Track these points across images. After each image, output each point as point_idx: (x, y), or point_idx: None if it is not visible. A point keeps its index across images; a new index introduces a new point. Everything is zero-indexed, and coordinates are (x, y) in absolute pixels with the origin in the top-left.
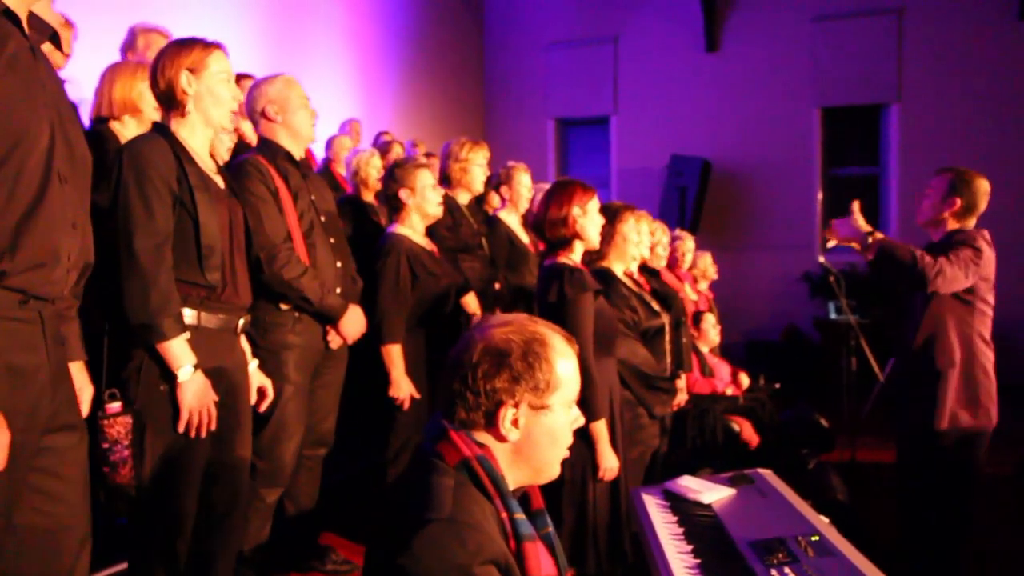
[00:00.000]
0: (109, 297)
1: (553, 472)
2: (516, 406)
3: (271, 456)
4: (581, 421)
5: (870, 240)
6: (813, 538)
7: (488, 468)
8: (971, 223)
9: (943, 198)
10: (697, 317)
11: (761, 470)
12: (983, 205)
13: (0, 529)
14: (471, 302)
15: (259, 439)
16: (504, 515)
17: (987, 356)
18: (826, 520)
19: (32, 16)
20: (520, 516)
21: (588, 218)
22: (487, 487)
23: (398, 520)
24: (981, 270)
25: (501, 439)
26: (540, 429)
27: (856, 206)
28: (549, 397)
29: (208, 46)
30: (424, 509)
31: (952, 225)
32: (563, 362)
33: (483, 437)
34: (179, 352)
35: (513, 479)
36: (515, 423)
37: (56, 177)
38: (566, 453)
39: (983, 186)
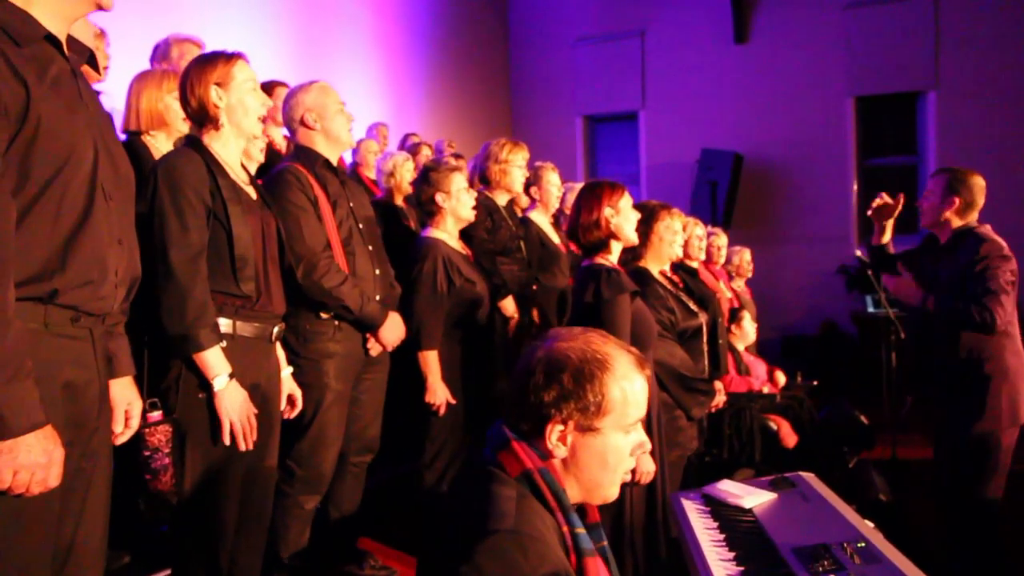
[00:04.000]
0: (147, 308)
1: (607, 495)
2: (563, 423)
3: (310, 464)
4: (648, 447)
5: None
6: (859, 544)
7: (550, 481)
8: (973, 218)
9: (942, 198)
10: (734, 314)
11: (803, 473)
12: (981, 200)
13: (51, 547)
14: (509, 305)
15: (299, 446)
16: (565, 528)
17: (1022, 353)
18: (871, 525)
19: (71, 39)
20: (581, 530)
21: (622, 216)
22: (548, 501)
23: (458, 529)
24: (1013, 273)
25: (549, 454)
26: (588, 451)
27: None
28: (600, 420)
29: (230, 58)
30: (487, 519)
31: (955, 223)
32: (621, 386)
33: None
34: (214, 362)
35: (570, 494)
36: (562, 439)
37: (101, 195)
38: (625, 477)
39: (979, 182)
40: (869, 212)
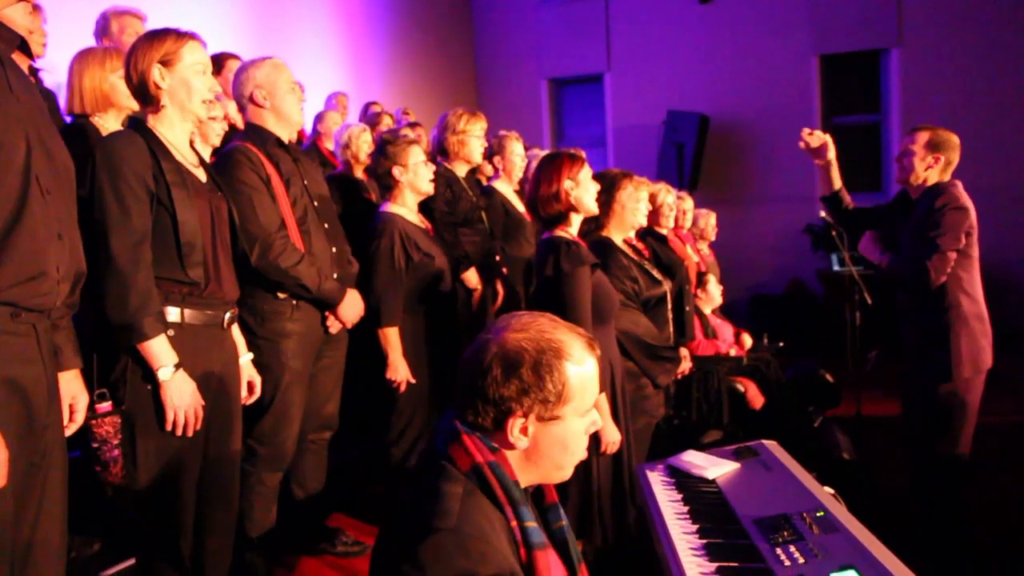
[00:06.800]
0: (92, 298)
1: (564, 475)
2: (525, 416)
3: (273, 442)
4: (599, 424)
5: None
6: (818, 514)
7: (500, 475)
8: (947, 176)
9: (924, 156)
10: (700, 278)
11: (766, 441)
12: (957, 159)
13: (8, 546)
14: (471, 277)
15: (260, 425)
16: (514, 524)
17: (982, 298)
18: (831, 492)
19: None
20: (531, 524)
21: (581, 188)
22: (498, 496)
23: (405, 524)
24: (969, 225)
25: (509, 446)
26: (550, 438)
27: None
28: (560, 408)
29: (181, 37)
30: (430, 517)
31: (932, 180)
32: (578, 371)
33: (494, 441)
34: (159, 351)
35: (524, 480)
36: (523, 431)
37: (37, 189)
38: (582, 455)
39: (956, 141)
40: (802, 144)
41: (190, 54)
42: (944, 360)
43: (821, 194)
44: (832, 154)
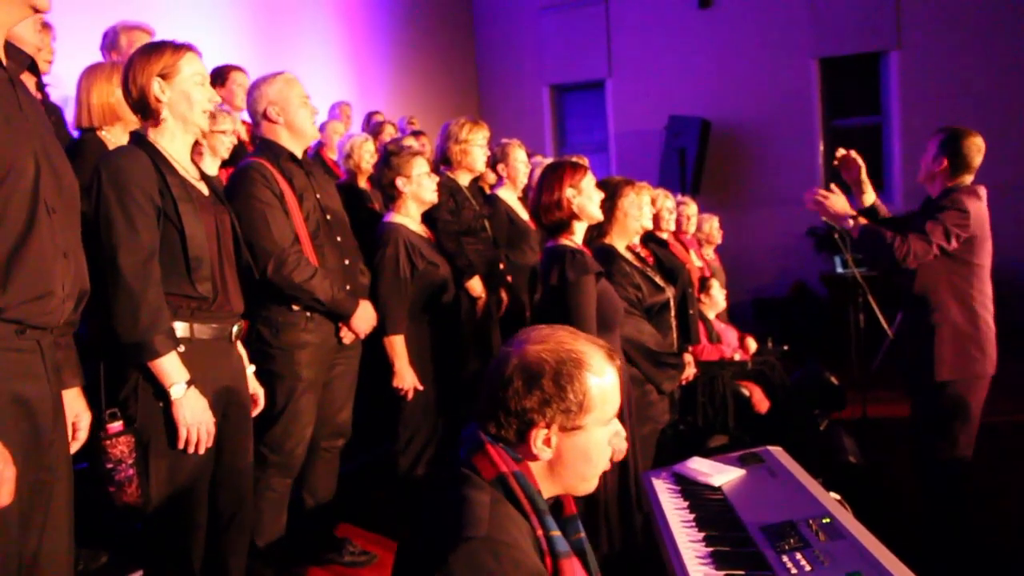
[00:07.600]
0: (101, 316)
1: (588, 487)
2: (547, 427)
3: (283, 449)
4: (623, 435)
5: (851, 223)
6: (824, 520)
7: (524, 485)
8: (966, 179)
9: (933, 158)
10: (703, 283)
11: (771, 448)
12: (977, 161)
13: (15, 561)
14: (476, 286)
15: (272, 433)
16: (540, 533)
17: (983, 308)
18: (837, 497)
19: (9, 46)
20: (556, 533)
21: (584, 196)
22: (523, 505)
23: (432, 534)
24: (972, 228)
25: (533, 457)
26: (573, 449)
27: (836, 189)
28: (582, 418)
29: (178, 49)
30: (461, 526)
31: (946, 183)
32: (599, 381)
33: (518, 452)
34: (171, 369)
35: (547, 491)
36: (547, 443)
37: (44, 208)
38: (605, 466)
39: (974, 144)
40: (835, 162)
41: (188, 66)
42: (926, 361)
43: (857, 208)
44: (863, 173)
